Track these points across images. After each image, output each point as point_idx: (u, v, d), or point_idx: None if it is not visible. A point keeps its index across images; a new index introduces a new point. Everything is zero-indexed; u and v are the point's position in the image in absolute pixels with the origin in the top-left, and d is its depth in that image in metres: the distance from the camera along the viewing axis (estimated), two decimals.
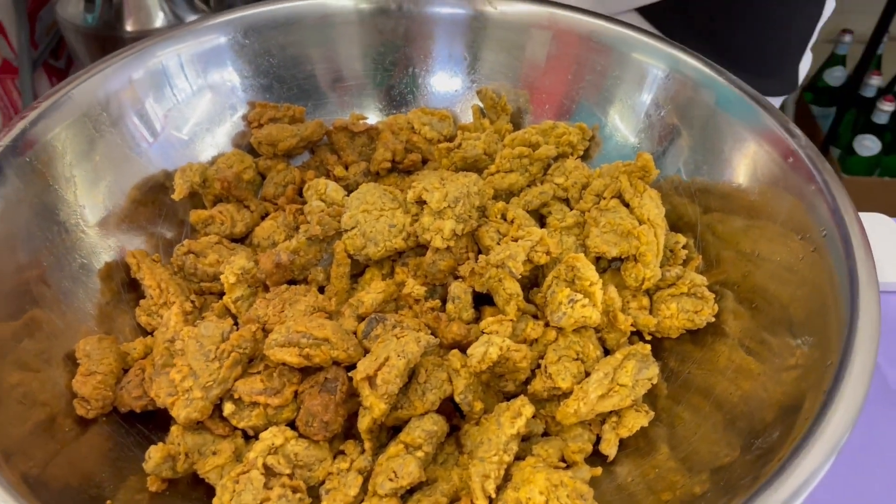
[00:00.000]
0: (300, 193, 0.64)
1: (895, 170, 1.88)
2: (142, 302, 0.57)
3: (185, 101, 0.63)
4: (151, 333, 0.56)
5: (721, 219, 0.58)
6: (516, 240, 0.55)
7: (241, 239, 0.62)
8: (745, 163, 0.56)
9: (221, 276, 0.55)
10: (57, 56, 1.74)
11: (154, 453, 0.46)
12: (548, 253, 0.55)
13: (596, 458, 0.51)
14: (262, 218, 0.63)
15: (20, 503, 0.37)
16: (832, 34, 1.96)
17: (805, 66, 0.81)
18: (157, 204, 0.62)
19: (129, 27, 1.46)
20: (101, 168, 0.58)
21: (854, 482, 0.57)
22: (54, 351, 0.50)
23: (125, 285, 0.58)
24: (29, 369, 0.47)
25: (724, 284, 0.56)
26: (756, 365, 0.49)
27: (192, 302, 0.56)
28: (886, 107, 1.77)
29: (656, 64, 0.62)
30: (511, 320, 0.53)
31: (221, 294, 0.57)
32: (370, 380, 0.47)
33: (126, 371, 0.52)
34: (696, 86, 0.60)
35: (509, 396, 0.53)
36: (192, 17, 1.51)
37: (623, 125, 0.64)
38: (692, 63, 0.60)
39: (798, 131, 0.54)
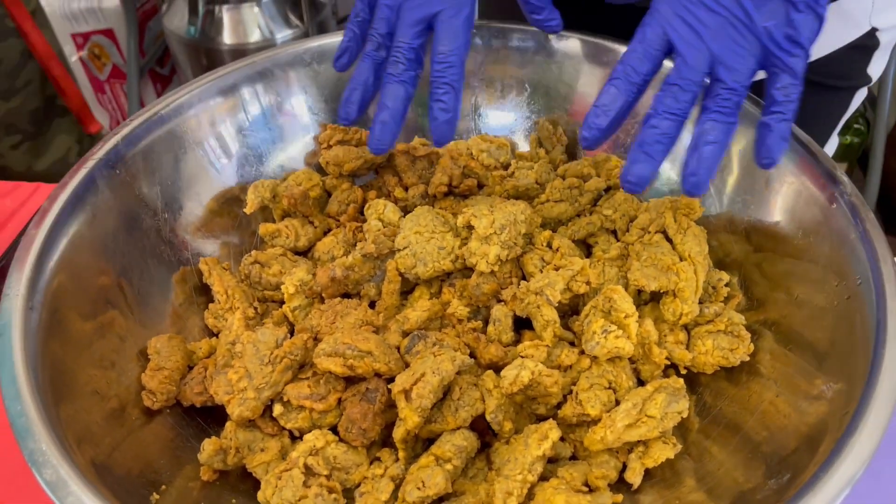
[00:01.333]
0: (362, 212, 0.68)
1: None
2: (210, 305, 0.62)
3: (261, 122, 0.69)
4: (217, 335, 0.61)
5: (766, 258, 0.59)
6: (558, 269, 0.58)
7: (305, 252, 0.67)
8: (791, 205, 0.57)
9: (282, 287, 0.60)
10: (162, 64, 1.87)
11: (208, 446, 0.51)
12: (587, 283, 0.57)
13: (621, 485, 0.53)
14: (325, 233, 0.68)
15: (88, 486, 0.41)
16: None
17: (830, 150, 0.80)
18: (231, 215, 0.68)
19: (227, 40, 1.56)
20: (183, 182, 0.64)
21: None
22: (129, 346, 0.56)
23: (197, 289, 0.63)
24: (105, 363, 0.53)
25: (765, 324, 0.56)
26: (784, 406, 0.50)
27: (255, 308, 0.61)
28: None
29: None
30: (547, 346, 0.55)
31: (282, 302, 0.62)
32: (406, 393, 0.51)
33: (191, 368, 0.57)
34: (747, 125, 0.60)
35: (541, 419, 0.55)
36: (285, 32, 1.59)
37: (674, 160, 0.66)
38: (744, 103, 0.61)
39: (844, 178, 0.54)
